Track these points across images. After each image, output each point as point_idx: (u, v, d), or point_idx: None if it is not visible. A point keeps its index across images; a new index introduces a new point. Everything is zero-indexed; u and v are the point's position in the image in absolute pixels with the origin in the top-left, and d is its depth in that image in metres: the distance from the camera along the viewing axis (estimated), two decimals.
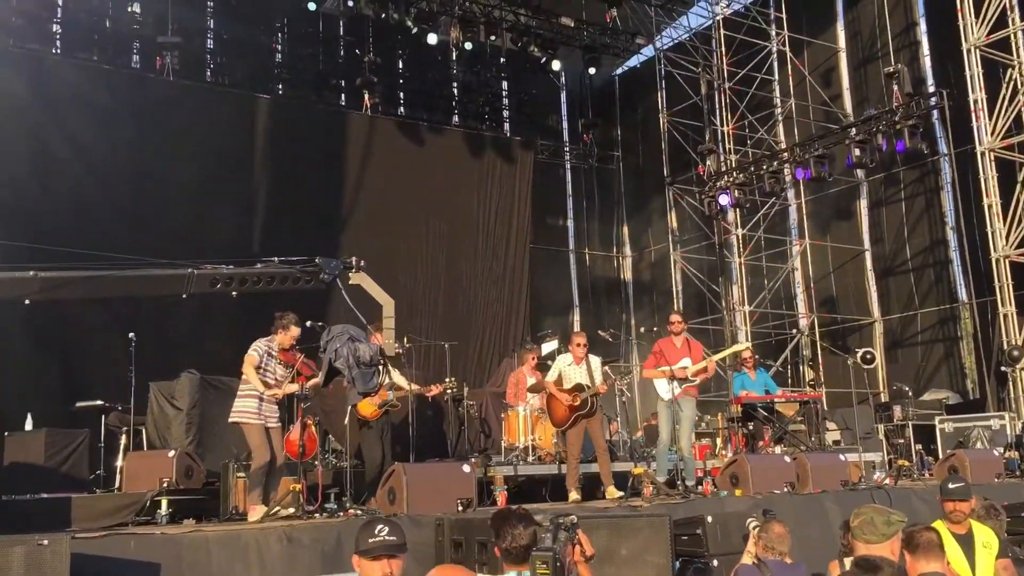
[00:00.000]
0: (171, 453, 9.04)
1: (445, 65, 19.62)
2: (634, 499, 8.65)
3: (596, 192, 21.63)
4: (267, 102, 16.61)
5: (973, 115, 14.16)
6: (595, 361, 9.31)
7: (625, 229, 22.02)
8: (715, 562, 6.21)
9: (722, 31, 18.22)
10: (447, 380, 10.51)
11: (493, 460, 10.39)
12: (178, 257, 7.62)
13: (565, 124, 21.95)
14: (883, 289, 17.35)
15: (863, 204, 17.80)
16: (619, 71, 22.16)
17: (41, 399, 11.46)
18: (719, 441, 13.39)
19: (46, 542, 4.84)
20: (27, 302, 6.69)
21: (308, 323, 8.18)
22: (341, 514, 7.40)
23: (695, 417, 10.48)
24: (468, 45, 17.47)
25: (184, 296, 7.25)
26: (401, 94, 19.12)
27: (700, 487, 9.47)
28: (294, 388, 7.91)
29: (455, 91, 19.95)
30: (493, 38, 17.56)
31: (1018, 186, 13.89)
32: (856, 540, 4.01)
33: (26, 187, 13.24)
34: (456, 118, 19.72)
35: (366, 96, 17.35)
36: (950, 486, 5.74)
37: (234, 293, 7.38)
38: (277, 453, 7.86)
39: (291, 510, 7.18)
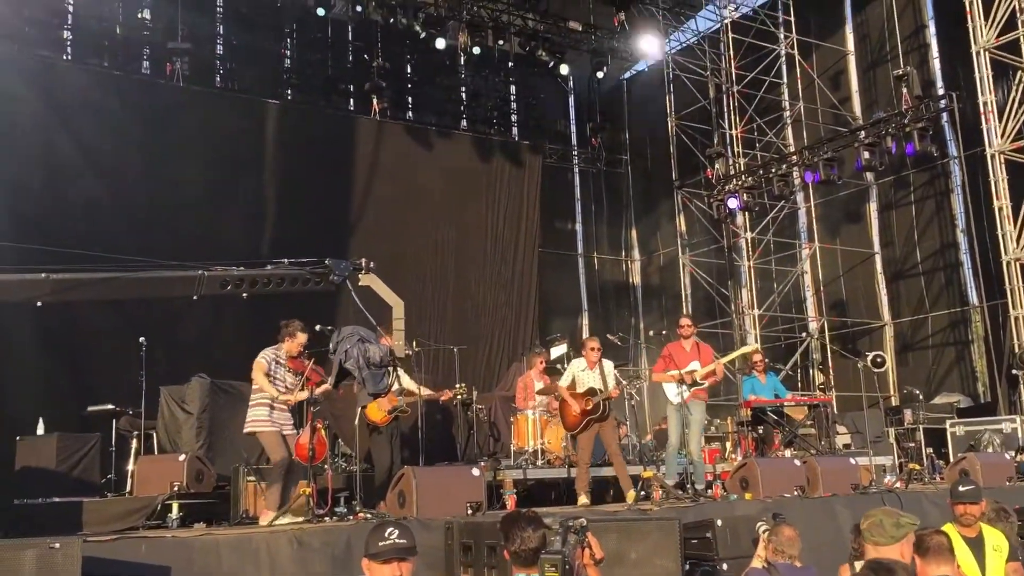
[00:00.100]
0: (181, 457, 9.09)
1: (453, 70, 19.66)
2: (644, 502, 8.64)
3: (604, 196, 21.64)
4: (276, 107, 16.67)
5: (983, 118, 14.11)
6: (608, 366, 9.30)
7: (634, 233, 22.01)
8: (725, 566, 6.21)
9: (730, 34, 18.21)
10: (457, 386, 10.54)
11: (502, 464, 10.40)
12: (188, 261, 7.66)
13: (573, 128, 21.97)
14: (893, 292, 17.28)
15: (873, 207, 17.75)
16: (627, 75, 22.17)
17: (53, 404, 11.50)
18: (729, 445, 13.36)
19: (58, 545, 4.87)
20: (39, 304, 6.73)
21: (317, 327, 8.21)
22: (351, 518, 7.41)
23: (704, 421, 10.46)
24: (476, 50, 17.52)
25: (195, 298, 7.28)
26: (409, 99, 19.15)
27: (710, 491, 9.46)
28: (304, 395, 7.93)
29: (463, 95, 19.99)
30: (501, 43, 17.62)
31: None
32: (866, 542, 4.00)
33: (37, 192, 13.33)
34: (464, 122, 19.75)
35: (375, 101, 17.40)
36: (960, 489, 5.73)
37: (244, 295, 7.40)
38: None
39: (301, 518, 7.20)
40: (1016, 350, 13.71)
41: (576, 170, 21.67)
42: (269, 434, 7.77)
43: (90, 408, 10.56)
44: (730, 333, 17.91)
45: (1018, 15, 13.88)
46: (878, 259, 17.51)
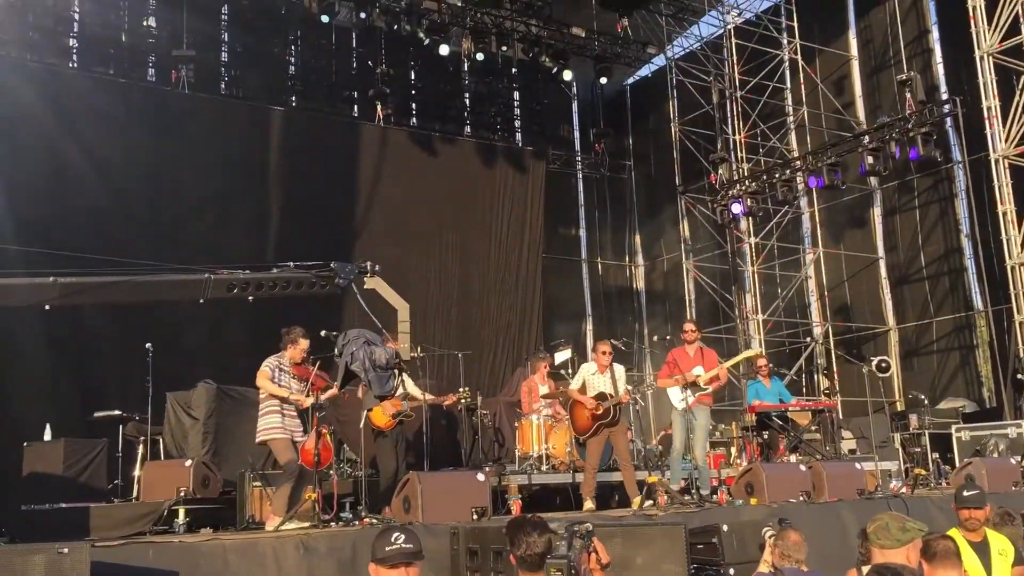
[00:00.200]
0: (188, 463, 9.11)
1: (457, 76, 19.69)
2: (649, 507, 8.64)
3: (608, 201, 21.65)
4: (281, 114, 16.72)
5: (987, 122, 14.11)
6: (619, 370, 9.29)
7: (637, 238, 22.02)
8: (731, 571, 6.21)
9: (733, 40, 18.24)
10: (461, 390, 10.55)
11: (507, 469, 10.41)
12: (194, 266, 7.70)
13: (577, 134, 21.98)
14: (898, 297, 17.27)
15: (877, 212, 17.74)
16: (630, 80, 22.20)
17: (60, 410, 11.54)
18: (734, 450, 13.35)
19: (66, 550, 4.88)
20: (47, 307, 6.76)
21: (323, 333, 8.23)
22: (357, 523, 7.43)
23: (709, 426, 10.46)
24: (480, 56, 17.55)
25: (201, 301, 7.30)
26: (413, 105, 19.19)
27: (715, 496, 9.46)
28: (310, 401, 7.95)
29: (467, 102, 20.02)
30: (505, 49, 17.66)
31: None
32: (872, 546, 4.01)
33: (43, 199, 13.37)
34: (468, 128, 19.78)
35: (379, 107, 17.42)
36: (965, 494, 5.73)
37: (250, 298, 7.42)
38: None
39: (307, 524, 7.21)
40: (1021, 355, 13.69)
41: (580, 176, 21.70)
42: (280, 441, 7.79)
43: (97, 414, 10.59)
44: (734, 338, 17.91)
45: (1021, 20, 13.88)
46: (882, 264, 17.51)
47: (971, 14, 14.21)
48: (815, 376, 17.78)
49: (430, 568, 6.25)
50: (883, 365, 14.22)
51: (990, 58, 14.06)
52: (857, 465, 10.36)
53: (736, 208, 17.21)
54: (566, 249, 21.20)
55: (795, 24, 17.87)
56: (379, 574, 3.55)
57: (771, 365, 12.69)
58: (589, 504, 9.05)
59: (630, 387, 9.82)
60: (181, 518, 7.93)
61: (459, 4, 17.02)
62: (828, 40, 18.13)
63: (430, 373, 11.38)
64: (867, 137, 15.49)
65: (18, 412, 11.51)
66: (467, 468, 10.43)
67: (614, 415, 9.01)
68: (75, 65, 15.27)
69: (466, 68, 19.56)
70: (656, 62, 20.92)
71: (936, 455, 12.87)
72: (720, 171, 17.66)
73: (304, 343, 8.02)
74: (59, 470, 9.26)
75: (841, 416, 13.69)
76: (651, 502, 8.81)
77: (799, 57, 17.71)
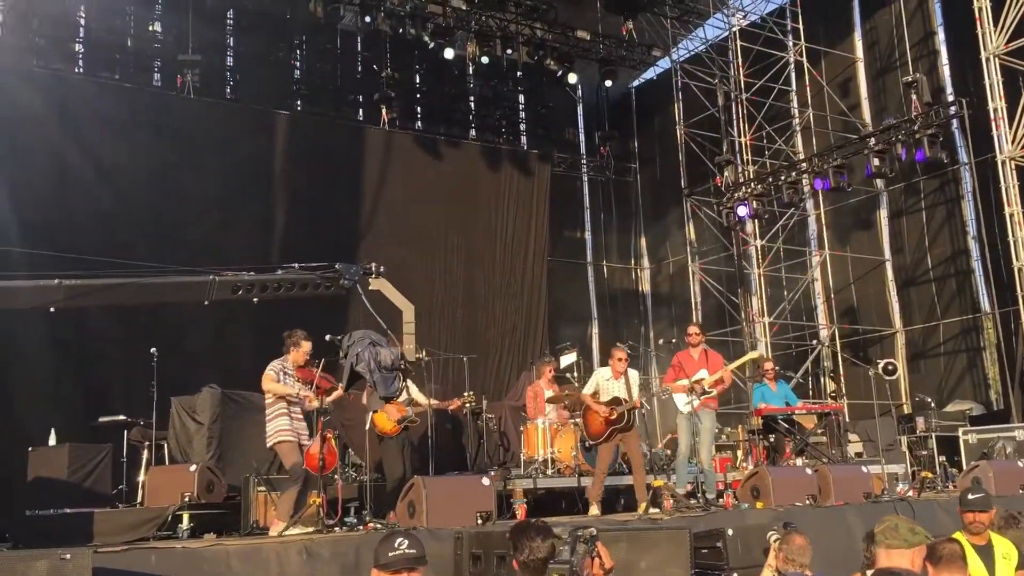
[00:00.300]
0: (192, 468, 9.11)
1: (462, 79, 19.71)
2: (654, 512, 8.61)
3: (613, 204, 21.62)
4: (286, 118, 16.74)
5: (993, 124, 14.07)
6: (634, 376, 9.27)
7: (643, 241, 21.99)
8: (736, 575, 6.17)
9: (738, 42, 18.23)
10: (465, 395, 10.54)
11: (512, 473, 10.38)
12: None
13: (582, 137, 21.97)
14: (904, 299, 17.20)
15: (883, 214, 17.69)
16: (635, 83, 22.19)
17: (64, 414, 11.54)
18: (740, 453, 13.31)
19: (69, 556, 4.88)
20: (52, 310, 6.77)
21: (327, 337, 8.21)
22: (361, 528, 7.42)
23: (715, 429, 10.42)
24: (485, 59, 17.58)
25: (206, 303, 7.30)
26: (418, 108, 19.21)
27: (721, 500, 9.43)
28: (316, 404, 7.94)
29: (472, 105, 20.02)
30: (509, 52, 17.65)
31: None
32: (878, 546, 3.94)
33: (49, 203, 13.41)
34: (473, 132, 19.78)
35: (384, 111, 17.46)
36: (970, 497, 5.71)
37: (255, 300, 7.42)
38: None
39: (311, 529, 7.20)
40: None
41: (585, 178, 21.67)
42: (287, 444, 7.78)
43: (101, 419, 10.59)
44: (740, 341, 17.86)
45: None
46: (889, 266, 17.45)
47: (977, 15, 14.19)
48: (821, 379, 17.73)
49: (434, 573, 6.23)
50: (890, 368, 14.16)
51: (996, 59, 14.02)
52: (863, 468, 10.33)
53: (742, 210, 17.18)
54: (571, 252, 21.17)
55: (800, 26, 17.83)
56: None
57: (777, 368, 12.66)
58: (594, 509, 9.02)
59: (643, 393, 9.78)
60: (185, 523, 7.94)
61: (464, 8, 17.03)
62: (834, 42, 18.09)
63: (435, 377, 11.34)
64: (873, 139, 15.45)
65: (23, 417, 11.53)
66: (472, 472, 10.42)
67: (628, 420, 8.98)
68: (81, 70, 15.33)
69: (471, 71, 19.59)
70: (661, 65, 20.91)
71: (943, 458, 12.82)
72: (726, 173, 17.63)
73: (306, 345, 8.01)
74: (63, 475, 9.26)
75: (847, 419, 13.65)
76: (656, 509, 8.78)
77: (804, 59, 17.67)
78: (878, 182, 16.98)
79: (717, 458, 11.94)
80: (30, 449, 9.86)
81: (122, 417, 10.40)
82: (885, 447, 12.17)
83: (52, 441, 10.17)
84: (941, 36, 16.61)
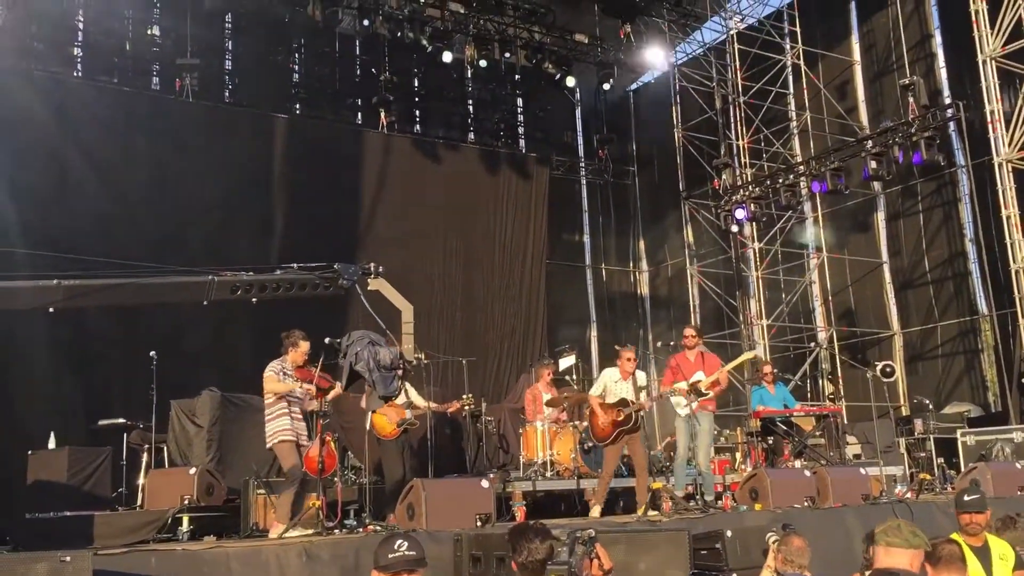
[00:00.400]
0: (192, 470, 9.12)
1: (460, 83, 19.74)
2: (653, 513, 8.62)
3: (612, 207, 21.64)
4: (284, 121, 16.75)
5: (990, 126, 14.11)
6: (641, 377, 9.27)
7: (641, 244, 22.01)
8: None
9: (736, 45, 18.26)
10: (464, 397, 10.55)
11: (511, 476, 10.39)
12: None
13: (580, 140, 22.00)
14: (902, 302, 17.24)
15: (880, 217, 17.73)
16: (633, 86, 22.23)
17: (64, 418, 11.56)
18: (739, 456, 13.32)
19: (69, 559, 4.89)
20: (51, 310, 6.78)
21: (327, 340, 8.22)
22: (361, 530, 7.43)
23: (713, 431, 10.43)
24: (483, 63, 17.59)
25: (205, 303, 7.30)
26: (417, 112, 19.23)
27: (719, 502, 9.44)
28: (314, 405, 7.94)
29: (470, 108, 20.06)
30: (508, 55, 17.67)
31: None
32: (878, 544, 3.92)
33: (48, 207, 13.41)
34: (472, 135, 19.81)
35: (382, 114, 17.47)
36: (966, 498, 5.73)
37: (254, 300, 7.43)
38: None
39: (310, 531, 7.21)
40: None
41: (583, 182, 21.69)
42: (285, 445, 7.79)
43: (101, 422, 10.61)
44: (739, 344, 17.89)
45: None
46: (886, 268, 17.48)
47: (974, 18, 14.22)
48: (819, 381, 17.75)
49: (433, 575, 6.25)
50: (887, 370, 14.17)
51: (993, 62, 14.06)
52: (862, 470, 10.35)
53: (740, 213, 17.20)
54: (570, 255, 21.19)
55: (798, 29, 17.88)
56: None
57: (775, 371, 12.68)
58: (596, 510, 9.03)
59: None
60: (185, 526, 7.94)
61: (462, 11, 17.06)
62: (831, 45, 18.13)
63: (434, 380, 11.36)
64: (870, 142, 15.48)
65: (22, 420, 11.54)
66: (471, 475, 10.43)
67: (635, 422, 8.98)
68: (79, 74, 15.35)
69: (469, 75, 19.61)
70: (659, 67, 20.92)
71: (941, 460, 12.85)
72: (723, 176, 17.67)
73: (305, 345, 8.01)
74: (63, 478, 9.28)
75: (846, 421, 13.67)
76: (655, 511, 8.79)
77: (802, 62, 17.72)
78: (875, 185, 17.03)
79: (716, 460, 11.95)
80: (30, 452, 9.89)
81: (121, 420, 10.43)
82: (883, 449, 12.18)
83: (52, 444, 10.19)
84: (938, 39, 16.66)
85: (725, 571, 6.22)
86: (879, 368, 13.91)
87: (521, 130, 20.64)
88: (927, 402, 14.29)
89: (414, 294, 15.46)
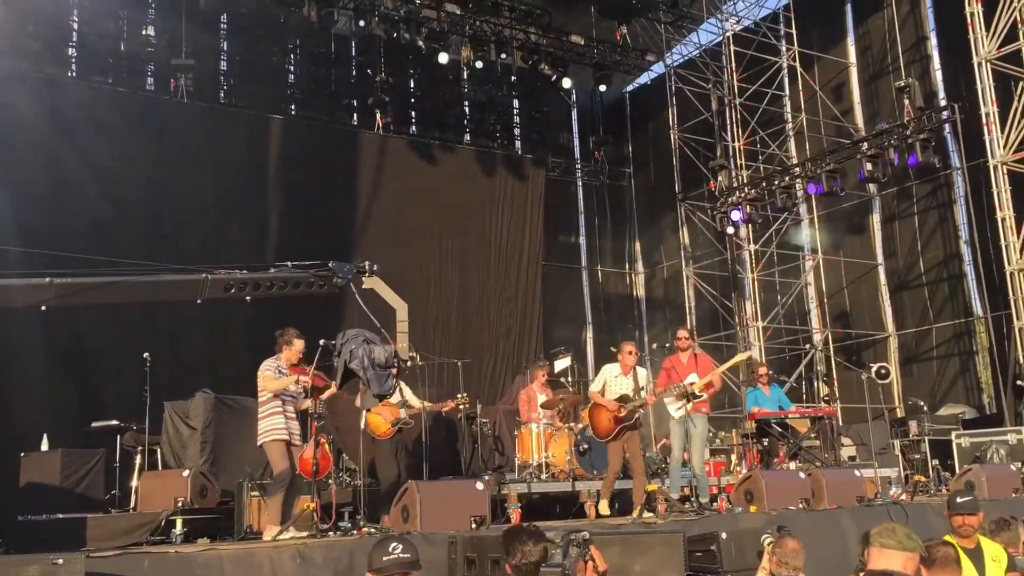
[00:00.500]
0: (186, 473, 9.10)
1: (456, 84, 19.73)
2: (648, 515, 8.61)
3: (608, 209, 21.66)
4: (280, 122, 16.73)
5: (985, 128, 14.12)
6: (642, 373, 9.25)
7: (637, 245, 22.02)
8: None
9: (732, 47, 18.27)
10: (459, 396, 10.53)
11: (507, 477, 10.37)
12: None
13: (576, 141, 22.01)
14: (897, 303, 17.26)
15: (876, 219, 17.75)
16: (630, 88, 22.24)
17: (57, 419, 11.52)
18: (734, 457, 13.33)
19: (61, 561, 4.87)
20: (43, 308, 6.76)
21: (321, 342, 8.20)
22: (355, 532, 7.40)
23: (707, 433, 10.42)
24: (479, 64, 17.58)
25: (199, 301, 7.29)
26: (413, 113, 19.22)
27: (714, 504, 9.43)
28: (308, 404, 7.92)
29: (466, 109, 20.05)
30: (504, 56, 17.67)
31: None
32: (872, 545, 3.91)
33: (43, 208, 13.38)
34: (467, 136, 19.80)
35: (378, 115, 17.45)
36: (958, 500, 5.72)
37: (248, 298, 7.41)
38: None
39: (304, 533, 7.18)
40: (1021, 361, 13.67)
41: (579, 183, 21.70)
42: (279, 444, 7.75)
43: (94, 424, 10.58)
44: (734, 345, 17.87)
45: (1019, 26, 13.91)
46: (881, 270, 17.51)
47: (969, 21, 14.24)
48: (815, 383, 17.76)
49: None
50: (883, 372, 14.15)
51: (988, 64, 14.08)
52: (856, 472, 10.35)
53: (735, 215, 17.21)
54: (566, 256, 21.19)
55: (794, 31, 17.89)
56: None
57: (771, 372, 12.68)
58: (604, 507, 9.02)
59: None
60: (179, 528, 7.92)
61: (458, 12, 17.04)
62: (827, 47, 18.16)
63: (429, 381, 11.34)
64: (866, 144, 15.50)
65: (15, 422, 11.48)
66: (466, 477, 10.41)
67: (637, 418, 8.96)
68: (74, 74, 15.31)
69: (465, 76, 19.60)
70: (655, 69, 20.96)
71: (936, 462, 12.83)
72: (719, 178, 17.68)
73: (299, 344, 7.99)
74: (56, 480, 9.25)
75: (841, 423, 13.65)
76: (650, 513, 8.78)
77: (798, 64, 17.73)
78: (871, 187, 17.04)
79: (711, 462, 11.95)
80: (22, 454, 9.84)
81: (115, 422, 10.39)
82: (878, 451, 12.17)
83: (45, 446, 10.16)
84: (933, 41, 16.69)
85: (720, 573, 6.22)
86: (874, 370, 13.89)
87: (517, 131, 20.63)
88: (922, 404, 14.27)
89: (410, 295, 15.54)
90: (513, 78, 19.96)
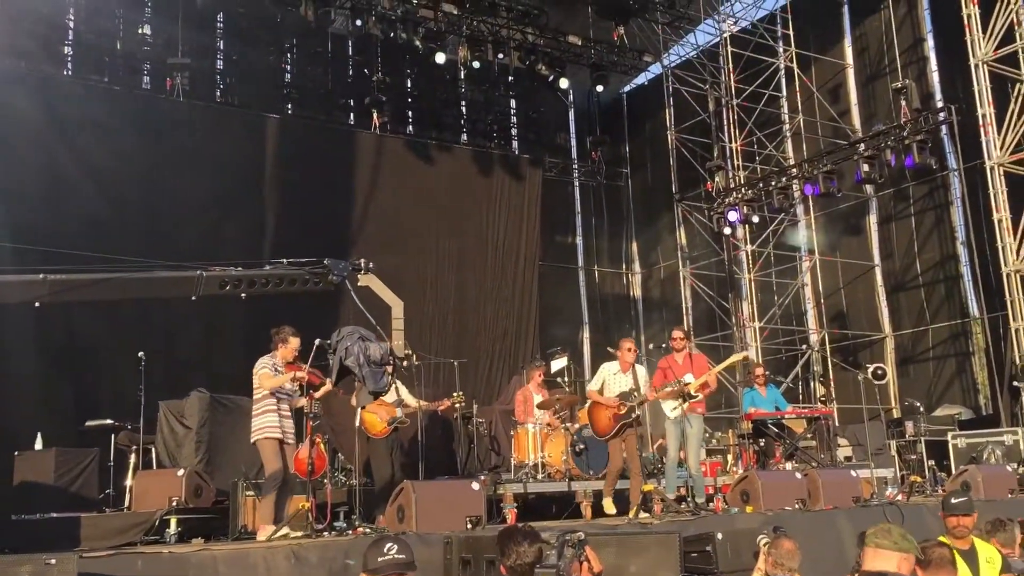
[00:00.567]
0: (180, 472, 9.08)
1: (453, 84, 19.72)
2: (644, 516, 8.60)
3: (605, 209, 21.66)
4: (276, 122, 16.71)
5: (982, 130, 14.15)
6: (641, 371, 9.22)
7: (634, 246, 22.02)
8: None
9: (729, 48, 18.28)
10: (455, 395, 10.51)
11: (503, 478, 10.35)
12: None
13: (573, 142, 22.02)
14: (894, 304, 17.27)
15: (873, 220, 17.76)
16: (627, 88, 22.23)
17: (51, 418, 11.48)
18: (730, 458, 13.32)
19: (53, 561, 4.84)
20: (37, 305, 6.73)
21: (317, 342, 8.18)
22: (350, 532, 7.38)
23: (703, 434, 10.40)
24: (476, 64, 17.57)
25: (194, 298, 7.27)
26: (410, 113, 19.20)
27: (711, 504, 9.42)
28: (303, 402, 7.90)
29: (463, 109, 20.03)
30: (501, 57, 17.66)
31: None
32: (867, 545, 3.91)
33: (38, 205, 13.36)
34: (464, 136, 19.79)
35: (375, 115, 17.44)
36: (953, 501, 5.72)
37: (243, 295, 7.39)
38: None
39: (299, 533, 7.16)
40: (1017, 362, 13.68)
41: (576, 183, 21.71)
42: (272, 443, 7.72)
43: (88, 423, 10.55)
44: (731, 346, 17.87)
45: (1016, 28, 13.93)
46: (878, 271, 17.52)
47: (966, 23, 14.27)
48: (811, 383, 17.76)
49: None
50: (879, 372, 14.20)
51: (985, 66, 14.09)
52: (853, 472, 10.34)
53: (732, 216, 17.19)
54: (563, 257, 21.19)
55: (791, 32, 17.90)
56: None
57: (767, 373, 12.66)
58: (608, 503, 8.98)
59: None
60: (173, 528, 7.88)
61: (455, 12, 17.02)
62: (824, 48, 18.16)
63: (426, 381, 11.33)
64: (863, 145, 15.50)
65: (9, 421, 11.44)
66: (462, 477, 10.39)
67: (636, 415, 8.94)
68: (70, 73, 15.28)
69: (462, 76, 19.60)
70: (652, 70, 20.97)
71: (932, 462, 12.86)
72: (716, 179, 17.66)
73: (295, 341, 7.96)
74: (50, 479, 9.22)
75: (837, 423, 13.66)
76: (646, 513, 8.76)
77: (795, 65, 17.75)
78: (867, 188, 17.05)
79: (707, 462, 11.94)
80: (16, 453, 9.82)
81: (109, 421, 10.36)
82: (874, 451, 12.19)
83: (38, 445, 10.12)
84: (930, 43, 16.70)
85: (716, 574, 6.20)
86: (870, 370, 13.94)
87: (514, 131, 20.62)
88: (918, 404, 14.29)
89: (406, 295, 15.45)
90: (510, 78, 19.96)
